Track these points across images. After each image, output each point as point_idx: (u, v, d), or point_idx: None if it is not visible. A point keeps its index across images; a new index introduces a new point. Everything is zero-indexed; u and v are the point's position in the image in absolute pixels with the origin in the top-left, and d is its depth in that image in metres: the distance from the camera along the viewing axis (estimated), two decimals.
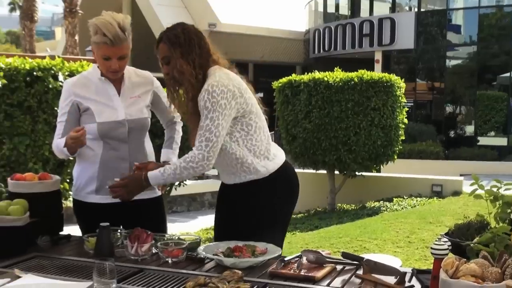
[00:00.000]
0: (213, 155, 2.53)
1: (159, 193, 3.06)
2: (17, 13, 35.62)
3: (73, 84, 2.90)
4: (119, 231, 2.65)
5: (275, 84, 9.81)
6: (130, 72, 2.97)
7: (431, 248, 1.83)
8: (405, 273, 2.05)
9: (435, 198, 9.67)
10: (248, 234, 2.53)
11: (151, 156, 3.03)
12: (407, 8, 21.64)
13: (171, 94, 2.66)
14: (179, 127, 3.19)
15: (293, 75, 9.67)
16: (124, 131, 2.86)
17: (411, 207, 8.96)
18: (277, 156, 2.72)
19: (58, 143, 2.82)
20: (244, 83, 2.65)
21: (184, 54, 2.57)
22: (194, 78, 2.55)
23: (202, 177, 12.42)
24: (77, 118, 2.88)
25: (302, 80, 9.33)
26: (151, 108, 3.04)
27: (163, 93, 3.06)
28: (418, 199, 9.58)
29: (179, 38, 2.59)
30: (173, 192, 8.09)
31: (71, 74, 6.15)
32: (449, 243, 1.86)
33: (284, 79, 9.65)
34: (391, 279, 2.04)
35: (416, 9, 20.34)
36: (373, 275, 2.10)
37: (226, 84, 2.52)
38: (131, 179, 2.63)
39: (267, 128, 2.73)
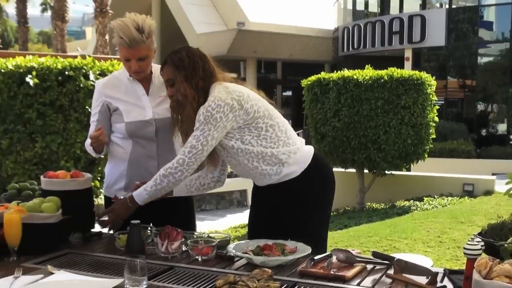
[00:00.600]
0: (195, 162, 2.50)
1: None
2: (49, 13, 36.17)
3: (104, 85, 2.95)
4: (149, 228, 2.67)
5: (304, 82, 9.78)
6: (155, 68, 2.99)
7: (464, 248, 1.81)
8: (436, 273, 2.02)
9: (466, 197, 9.54)
10: (292, 232, 2.53)
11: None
12: (437, 4, 21.38)
13: (175, 117, 2.68)
14: None
15: (322, 73, 9.63)
16: (151, 130, 2.89)
17: (442, 206, 8.86)
18: (299, 143, 2.70)
19: (87, 143, 2.88)
20: (248, 92, 2.61)
21: (188, 78, 2.57)
22: (195, 101, 2.54)
23: (230, 175, 12.46)
24: (108, 117, 2.92)
25: (331, 78, 9.29)
26: None
27: None
28: (449, 198, 9.46)
29: (183, 61, 2.59)
30: None
31: (102, 73, 6.22)
32: (482, 243, 1.83)
33: (313, 77, 9.62)
34: (422, 279, 2.01)
35: (447, 6, 20.07)
36: (404, 275, 2.07)
37: (223, 98, 2.50)
38: (117, 204, 2.62)
39: (284, 123, 2.68)
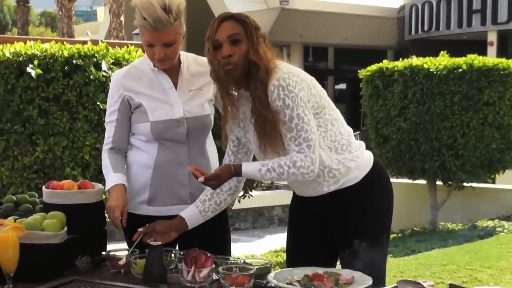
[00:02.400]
0: (318, 157, 2.57)
1: None
2: None
3: (123, 76, 2.98)
4: (173, 252, 2.68)
5: (362, 73, 9.74)
6: (189, 60, 3.02)
7: None
8: None
9: None
10: (346, 254, 2.55)
11: (214, 161, 3.08)
12: None
13: (226, 89, 2.67)
14: None
15: (385, 61, 9.57)
16: (182, 131, 2.91)
17: None
18: (362, 147, 2.77)
19: (107, 167, 2.94)
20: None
21: (259, 38, 2.62)
22: (270, 65, 2.57)
23: (271, 186, 12.45)
24: (128, 116, 2.95)
25: (396, 68, 9.24)
26: (214, 104, 3.07)
27: None
28: None
29: (251, 22, 2.65)
30: (236, 205, 8.13)
31: (117, 62, 6.28)
32: None
33: (373, 67, 9.57)
34: None
35: None
36: None
37: (296, 74, 2.57)
38: (223, 168, 2.66)
39: (344, 122, 2.77)
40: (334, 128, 2.68)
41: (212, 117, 3.02)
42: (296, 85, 2.53)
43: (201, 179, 2.60)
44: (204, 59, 3.07)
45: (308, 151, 2.54)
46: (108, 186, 2.90)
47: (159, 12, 2.75)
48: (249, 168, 2.61)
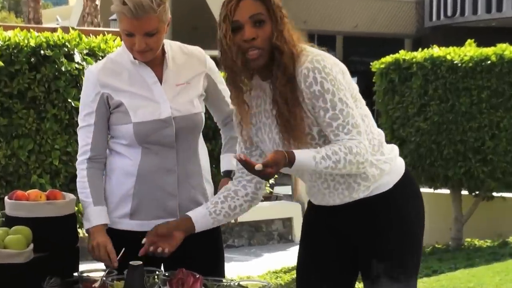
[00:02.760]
0: (368, 146, 2.58)
1: None
2: None
3: (99, 72, 2.98)
4: (156, 272, 2.68)
5: (376, 65, 9.74)
6: (174, 50, 3.03)
7: None
8: None
9: None
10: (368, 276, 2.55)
11: (205, 167, 3.09)
12: None
13: (239, 80, 2.68)
14: None
15: (401, 51, 9.59)
16: (170, 133, 2.91)
17: None
18: (395, 150, 2.81)
19: (85, 192, 2.94)
20: None
21: (283, 18, 2.64)
22: (296, 49, 2.59)
23: (270, 197, 12.44)
24: (107, 118, 2.95)
25: (414, 60, 9.25)
26: (204, 99, 3.07)
27: (219, 77, 3.09)
28: None
29: (274, 1, 2.65)
30: None
31: (92, 53, 6.27)
32: None
33: (389, 58, 9.57)
34: None
35: None
36: None
37: (329, 56, 2.61)
38: (278, 154, 2.56)
39: (374, 121, 2.80)
40: (365, 125, 2.67)
41: (203, 115, 3.02)
42: (332, 68, 2.56)
43: (259, 166, 2.50)
44: (191, 48, 3.07)
45: (360, 137, 2.55)
46: (88, 224, 2.89)
47: None
48: (302, 155, 2.53)
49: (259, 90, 2.70)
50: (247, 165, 2.49)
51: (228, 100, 2.93)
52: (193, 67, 3.00)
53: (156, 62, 2.96)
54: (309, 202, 2.92)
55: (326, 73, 2.53)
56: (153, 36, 2.84)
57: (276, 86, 2.58)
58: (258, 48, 2.57)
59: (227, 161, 3.14)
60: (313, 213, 2.88)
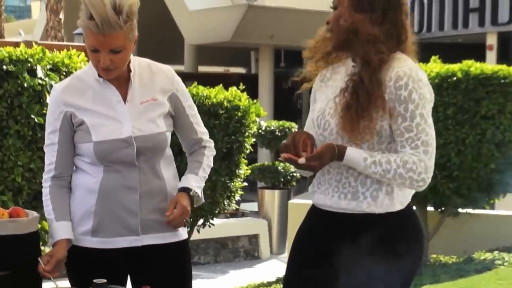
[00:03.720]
0: (432, 167, 2.66)
1: (184, 235, 3.08)
2: None
3: (62, 90, 2.98)
4: None
5: None
6: (142, 66, 3.02)
7: None
8: None
9: None
10: None
11: (172, 183, 3.06)
12: None
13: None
14: (210, 153, 3.18)
15: None
16: (130, 152, 2.91)
17: None
18: (411, 194, 2.94)
19: (48, 210, 2.98)
20: None
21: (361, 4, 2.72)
22: (373, 29, 2.65)
23: (236, 214, 12.44)
24: (71, 136, 2.95)
25: None
26: (174, 116, 3.06)
27: (188, 100, 3.09)
28: None
29: None
30: (195, 236, 8.12)
31: (55, 68, 6.24)
32: None
33: None
34: None
35: None
36: None
37: (424, 74, 2.70)
38: (325, 148, 2.64)
39: None
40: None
41: (168, 134, 3.01)
42: (426, 85, 2.65)
43: (302, 160, 2.57)
44: (160, 66, 3.05)
45: (424, 156, 2.62)
46: (51, 240, 2.93)
47: (108, 11, 2.73)
48: (354, 153, 2.62)
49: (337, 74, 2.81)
50: (292, 161, 2.58)
51: (197, 126, 2.95)
52: (159, 84, 2.99)
53: (121, 81, 2.95)
54: (309, 212, 2.95)
55: (419, 85, 2.60)
56: (118, 53, 2.83)
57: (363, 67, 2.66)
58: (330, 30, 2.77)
59: (185, 179, 3.09)
60: (315, 214, 2.89)
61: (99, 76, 2.94)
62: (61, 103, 2.95)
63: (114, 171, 2.93)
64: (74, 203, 3.01)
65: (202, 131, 3.14)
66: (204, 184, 3.11)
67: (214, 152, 3.18)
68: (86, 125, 2.91)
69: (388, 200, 2.73)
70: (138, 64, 3.01)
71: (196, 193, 3.00)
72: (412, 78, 2.60)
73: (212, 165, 3.16)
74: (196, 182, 3.06)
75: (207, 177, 3.14)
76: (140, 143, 2.91)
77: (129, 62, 2.96)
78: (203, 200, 3.06)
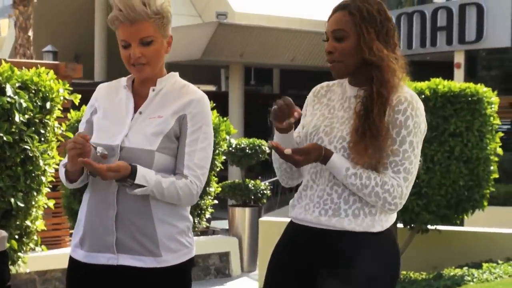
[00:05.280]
0: (407, 194, 2.73)
1: (171, 262, 2.87)
2: None
3: (101, 87, 3.05)
4: None
5: None
6: (174, 86, 2.95)
7: None
8: None
9: None
10: None
11: (160, 206, 2.85)
12: None
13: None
14: (184, 184, 2.85)
15: None
16: (113, 161, 2.78)
17: (509, 275, 8.85)
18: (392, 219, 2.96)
19: (63, 162, 2.91)
20: None
21: (379, 36, 2.75)
22: (396, 64, 2.74)
23: (206, 231, 12.40)
24: (92, 132, 2.96)
25: None
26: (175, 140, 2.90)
27: (196, 128, 2.92)
28: None
29: (374, 17, 2.75)
30: None
31: (24, 86, 6.21)
32: None
33: None
34: None
35: None
36: None
37: (422, 105, 2.78)
38: (314, 147, 2.71)
39: None
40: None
41: (159, 155, 2.82)
42: (422, 114, 2.72)
43: (288, 150, 2.63)
44: (193, 89, 2.95)
45: (403, 183, 2.69)
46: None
47: (134, 2, 2.74)
48: (338, 160, 2.68)
49: (336, 94, 2.95)
50: (278, 150, 2.65)
51: (188, 160, 2.82)
52: (178, 105, 2.89)
53: (142, 95, 2.93)
54: (286, 228, 2.96)
55: (416, 114, 2.67)
56: (149, 46, 2.81)
57: (370, 94, 2.71)
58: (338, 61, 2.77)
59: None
60: (299, 233, 2.88)
61: (127, 83, 2.95)
62: (95, 98, 3.02)
63: (96, 183, 2.87)
64: (81, 207, 2.98)
65: (190, 166, 2.88)
66: (153, 189, 2.76)
67: (194, 191, 2.87)
68: (95, 125, 2.95)
69: (369, 220, 2.76)
70: (172, 83, 2.96)
71: (138, 177, 2.73)
72: (412, 105, 2.68)
73: (175, 196, 2.82)
74: (149, 175, 2.76)
75: (160, 192, 2.79)
76: (124, 154, 2.80)
77: (158, 77, 2.93)
78: (138, 193, 2.77)
